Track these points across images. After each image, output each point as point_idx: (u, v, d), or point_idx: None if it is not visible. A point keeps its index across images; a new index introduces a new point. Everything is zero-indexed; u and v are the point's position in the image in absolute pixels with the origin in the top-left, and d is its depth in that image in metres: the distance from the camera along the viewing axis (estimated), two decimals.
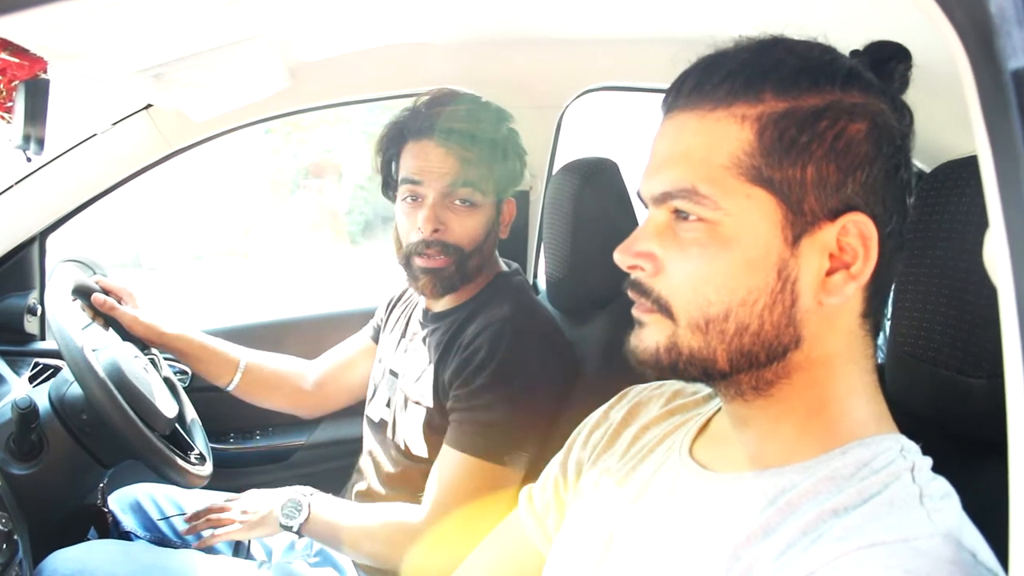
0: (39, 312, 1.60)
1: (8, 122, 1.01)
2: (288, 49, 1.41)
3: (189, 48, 1.07)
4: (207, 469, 1.26)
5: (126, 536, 1.36)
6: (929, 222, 0.77)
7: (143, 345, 1.38)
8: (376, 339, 1.50)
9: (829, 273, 0.58)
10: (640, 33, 1.50)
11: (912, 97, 0.62)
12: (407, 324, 1.41)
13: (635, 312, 0.64)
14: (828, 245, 0.58)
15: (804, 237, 0.58)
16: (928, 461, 0.58)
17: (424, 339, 1.33)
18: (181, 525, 1.36)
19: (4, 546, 0.99)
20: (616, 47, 1.58)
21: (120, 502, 1.40)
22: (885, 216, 0.58)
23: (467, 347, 1.22)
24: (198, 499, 1.42)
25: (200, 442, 1.34)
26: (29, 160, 1.09)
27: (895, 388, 0.80)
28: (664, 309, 0.61)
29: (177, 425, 1.28)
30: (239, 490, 1.43)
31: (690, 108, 0.60)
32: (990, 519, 0.50)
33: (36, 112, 1.00)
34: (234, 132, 1.62)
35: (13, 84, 0.98)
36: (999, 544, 0.48)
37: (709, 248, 0.59)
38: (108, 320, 1.37)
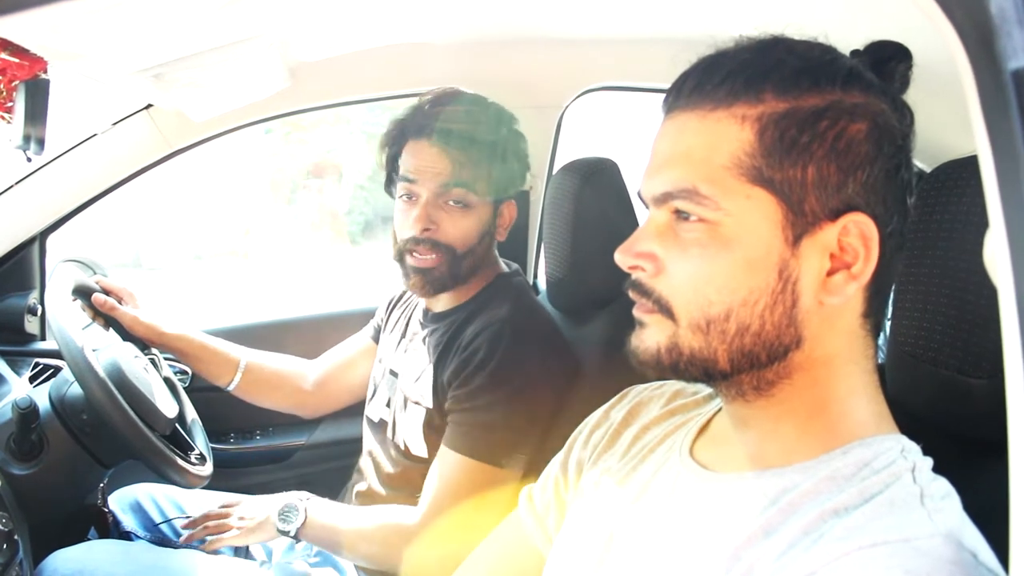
0: (39, 312, 1.60)
1: (8, 122, 1.02)
2: (288, 49, 1.41)
3: (189, 48, 1.07)
4: (207, 469, 1.26)
5: (126, 536, 1.36)
6: (929, 222, 0.77)
7: (143, 345, 1.38)
8: (376, 339, 1.50)
9: (830, 273, 0.58)
10: (640, 33, 1.50)
11: (912, 97, 0.62)
12: (407, 324, 1.41)
13: (636, 312, 0.64)
14: (829, 245, 0.58)
15: (805, 237, 0.58)
16: (929, 461, 0.58)
17: (424, 339, 1.33)
18: (182, 525, 1.36)
19: (4, 546, 0.99)
20: (616, 47, 1.58)
21: (120, 502, 1.40)
22: (886, 216, 0.58)
23: (466, 348, 1.22)
24: (198, 499, 1.42)
25: (200, 442, 1.34)
26: (29, 160, 1.09)
27: (895, 388, 0.80)
28: (665, 309, 0.61)
29: (177, 425, 1.28)
30: (239, 490, 1.43)
31: (691, 108, 0.60)
32: (991, 519, 0.50)
33: (36, 112, 1.00)
34: (234, 132, 1.62)
35: (13, 84, 0.98)
36: (1000, 544, 0.48)
37: (710, 248, 0.59)
38: (108, 320, 1.37)
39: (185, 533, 1.30)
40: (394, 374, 1.36)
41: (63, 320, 1.14)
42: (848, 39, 0.64)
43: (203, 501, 1.42)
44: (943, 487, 0.55)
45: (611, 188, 1.33)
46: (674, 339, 0.61)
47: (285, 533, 1.22)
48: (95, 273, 1.43)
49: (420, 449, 1.26)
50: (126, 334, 1.37)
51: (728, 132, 0.58)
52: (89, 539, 1.30)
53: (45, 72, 0.99)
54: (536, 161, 1.33)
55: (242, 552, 1.39)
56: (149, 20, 0.87)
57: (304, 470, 1.72)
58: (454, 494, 1.16)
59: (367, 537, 1.20)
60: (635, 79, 1.68)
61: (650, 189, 0.62)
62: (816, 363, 0.60)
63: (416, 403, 1.27)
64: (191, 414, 1.40)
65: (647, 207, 0.64)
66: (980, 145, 0.46)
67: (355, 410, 1.50)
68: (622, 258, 0.63)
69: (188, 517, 1.38)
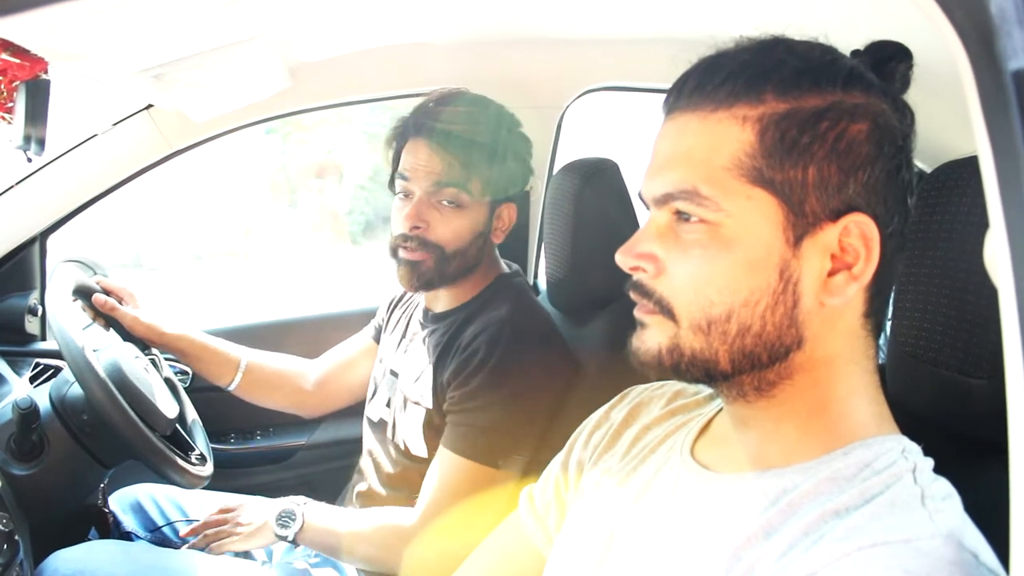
0: (40, 312, 1.60)
1: (9, 123, 1.02)
2: (288, 49, 1.41)
3: (190, 48, 1.07)
4: (208, 469, 1.26)
5: (127, 536, 1.37)
6: (930, 222, 0.77)
7: (144, 345, 1.38)
8: (377, 339, 1.50)
9: (831, 274, 0.58)
10: (640, 33, 1.50)
11: (913, 97, 0.62)
12: (408, 324, 1.41)
13: (637, 313, 0.64)
14: (830, 246, 0.58)
15: (806, 238, 0.58)
16: (930, 462, 0.58)
17: (424, 339, 1.33)
18: (184, 528, 1.36)
19: (5, 546, 0.99)
20: (616, 47, 1.58)
21: (121, 502, 1.40)
22: (887, 216, 0.58)
23: (465, 348, 1.22)
24: (199, 500, 1.42)
25: (201, 442, 1.34)
26: (30, 160, 1.09)
27: (896, 389, 0.80)
28: (666, 310, 0.61)
29: (178, 425, 1.28)
30: (240, 490, 1.43)
31: (691, 109, 0.60)
32: (991, 520, 0.50)
33: (37, 113, 1.00)
34: (235, 132, 1.62)
35: (14, 85, 0.98)
36: (1000, 545, 0.48)
37: (711, 249, 0.59)
38: (109, 320, 1.37)
39: (185, 528, 1.30)
40: (394, 374, 1.36)
41: (63, 320, 1.14)
42: (848, 39, 0.64)
43: (204, 502, 1.42)
44: (944, 488, 0.55)
45: (611, 188, 1.33)
46: (675, 340, 0.61)
47: (283, 538, 1.22)
48: (95, 273, 1.43)
49: (420, 449, 1.26)
50: (126, 334, 1.37)
51: (729, 133, 0.58)
52: (90, 539, 1.30)
53: (46, 73, 0.99)
54: (536, 161, 1.33)
55: (243, 552, 1.39)
56: (149, 20, 0.87)
57: (305, 470, 1.72)
58: (451, 495, 1.16)
59: (365, 539, 1.21)
60: (635, 79, 1.68)
61: (651, 190, 0.62)
62: (817, 364, 0.60)
63: (416, 403, 1.27)
64: (191, 414, 1.40)
65: (648, 208, 0.64)
66: (980, 145, 0.46)
67: (355, 410, 1.50)
68: (623, 259, 0.63)
69: (189, 520, 1.38)
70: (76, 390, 1.16)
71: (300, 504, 1.24)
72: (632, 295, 0.64)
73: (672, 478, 0.69)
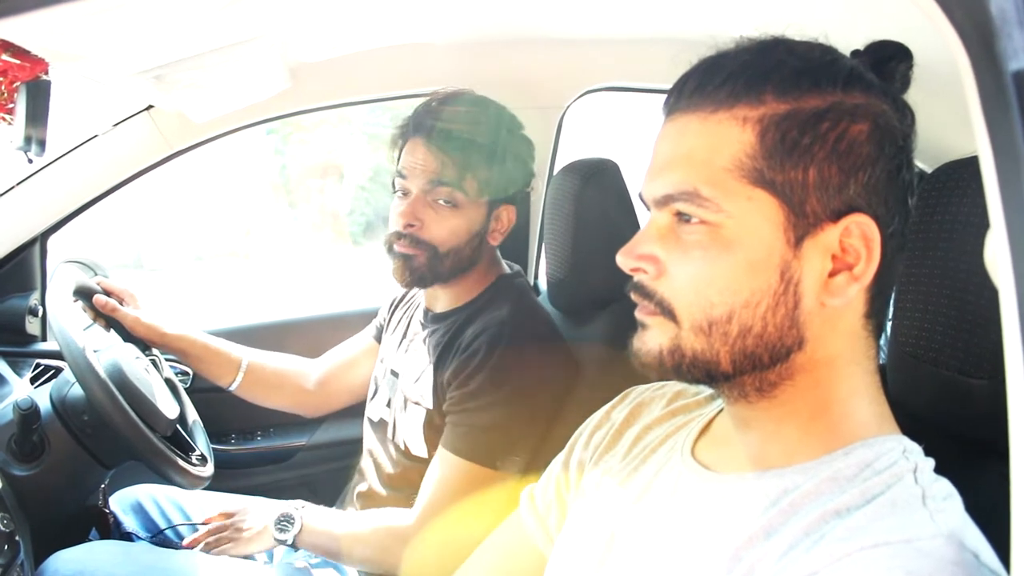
0: (40, 313, 1.60)
1: (9, 123, 1.02)
2: (289, 50, 1.41)
3: (190, 49, 1.07)
4: (208, 470, 1.26)
5: (127, 537, 1.37)
6: (930, 223, 0.77)
7: (144, 346, 1.38)
8: (379, 339, 1.50)
9: (832, 274, 0.58)
10: (640, 33, 1.50)
11: (913, 97, 0.62)
12: (408, 324, 1.41)
13: (638, 314, 0.64)
14: (831, 246, 0.58)
15: (806, 239, 0.58)
16: (931, 462, 0.58)
17: (424, 340, 1.33)
18: (185, 532, 1.36)
19: (6, 547, 1.00)
20: (616, 47, 1.58)
21: (121, 503, 1.40)
22: (887, 217, 0.58)
23: (466, 349, 1.22)
24: (200, 500, 1.42)
25: (201, 443, 1.34)
26: (30, 161, 1.09)
27: (897, 389, 0.80)
28: (667, 311, 0.61)
29: (178, 426, 1.28)
30: (241, 491, 1.43)
31: (692, 110, 0.60)
32: (992, 520, 0.50)
33: (37, 113, 1.00)
34: (235, 133, 1.62)
35: (15, 86, 0.98)
36: (1001, 545, 0.48)
37: (711, 250, 0.58)
38: (109, 321, 1.37)
39: (187, 538, 1.31)
40: (395, 374, 1.36)
41: (64, 321, 1.14)
42: (848, 39, 0.64)
43: (204, 502, 1.42)
44: (945, 488, 0.55)
45: (612, 189, 1.33)
46: (676, 341, 0.61)
47: (283, 543, 1.23)
48: (96, 274, 1.43)
49: (420, 449, 1.26)
50: (127, 335, 1.37)
51: (729, 134, 0.58)
52: (90, 540, 1.30)
53: (46, 73, 0.99)
54: (536, 162, 1.33)
55: None
56: (150, 21, 0.87)
57: (305, 471, 1.72)
58: (449, 496, 1.17)
59: (362, 541, 1.21)
60: (636, 80, 1.68)
61: (651, 191, 0.62)
62: (818, 364, 0.60)
63: (416, 403, 1.27)
64: (192, 415, 1.40)
65: (648, 209, 0.64)
66: (981, 145, 0.46)
67: (356, 411, 1.50)
68: (624, 260, 0.63)
69: (190, 522, 1.38)
70: (77, 391, 1.16)
71: (298, 508, 1.25)
72: (633, 296, 0.64)
73: (673, 478, 0.69)
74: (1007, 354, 0.44)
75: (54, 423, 1.17)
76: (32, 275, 1.60)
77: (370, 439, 1.39)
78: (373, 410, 1.40)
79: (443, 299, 1.33)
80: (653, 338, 0.62)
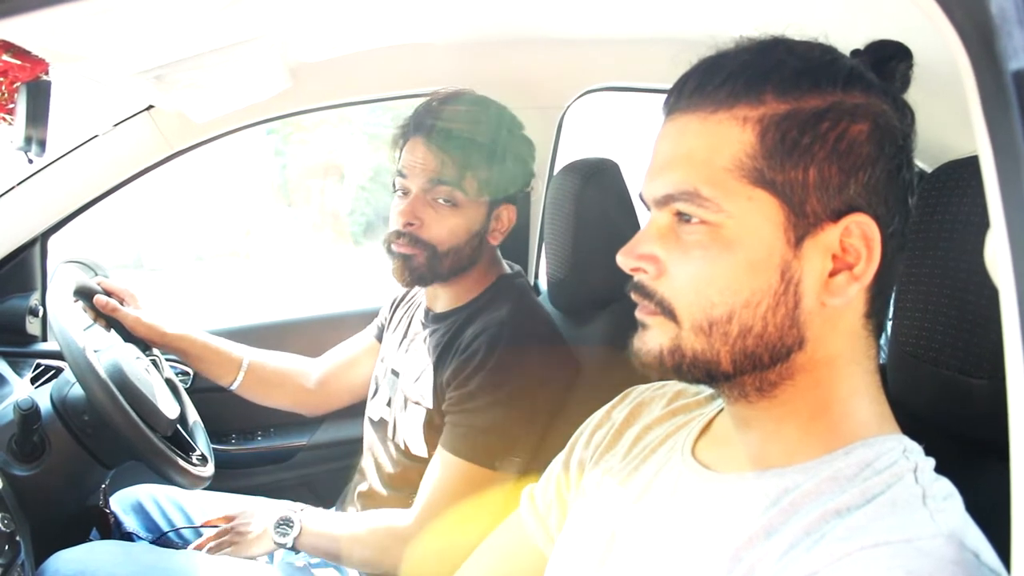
0: (41, 313, 1.60)
1: (10, 124, 1.02)
2: (289, 50, 1.41)
3: (190, 49, 1.07)
4: (209, 470, 1.26)
5: (128, 537, 1.37)
6: (930, 222, 0.77)
7: (145, 346, 1.38)
8: (380, 338, 1.51)
9: (832, 274, 0.58)
10: (640, 33, 1.50)
11: (913, 97, 0.62)
12: (409, 324, 1.41)
13: (638, 314, 0.64)
14: (831, 246, 0.58)
15: (807, 238, 0.58)
16: (931, 462, 0.58)
17: (424, 339, 1.33)
18: (186, 533, 1.36)
19: (6, 547, 1.00)
20: (616, 47, 1.58)
21: (122, 503, 1.40)
22: (887, 216, 0.58)
23: (465, 349, 1.22)
24: (200, 500, 1.42)
25: (202, 443, 1.35)
26: (31, 161, 1.09)
27: (897, 389, 0.80)
28: (667, 311, 0.61)
29: (179, 426, 1.28)
30: (241, 491, 1.43)
31: (692, 110, 0.60)
32: (992, 519, 0.50)
33: (38, 114, 1.01)
34: (235, 133, 1.62)
35: (15, 86, 0.98)
36: (1001, 544, 0.48)
37: (711, 250, 0.59)
38: (110, 321, 1.37)
39: (192, 544, 1.31)
40: (395, 374, 1.36)
41: (64, 321, 1.14)
42: (848, 39, 0.64)
43: (205, 502, 1.42)
44: (945, 487, 0.55)
45: (612, 189, 1.33)
46: (677, 341, 0.61)
47: (282, 546, 1.23)
48: (96, 274, 1.43)
49: (420, 449, 1.26)
50: (128, 335, 1.37)
51: (729, 134, 0.58)
52: (91, 540, 1.30)
53: (47, 74, 0.99)
54: (537, 162, 1.33)
55: None
56: (150, 22, 0.87)
57: (306, 471, 1.72)
58: (448, 496, 1.17)
59: (361, 542, 1.21)
60: (636, 79, 1.68)
61: (651, 191, 0.62)
62: (818, 364, 0.60)
63: (416, 403, 1.27)
64: (192, 415, 1.40)
65: (648, 209, 0.64)
66: (981, 145, 0.46)
67: (357, 410, 1.50)
68: (624, 260, 0.63)
69: (191, 522, 1.38)
70: (77, 391, 1.16)
71: (297, 511, 1.25)
72: (633, 296, 0.64)
73: (673, 478, 0.69)
74: (1007, 354, 0.44)
75: (55, 423, 1.17)
76: (32, 275, 1.60)
77: (371, 438, 1.39)
78: (373, 409, 1.40)
79: (443, 299, 1.33)
80: (653, 338, 0.62)
